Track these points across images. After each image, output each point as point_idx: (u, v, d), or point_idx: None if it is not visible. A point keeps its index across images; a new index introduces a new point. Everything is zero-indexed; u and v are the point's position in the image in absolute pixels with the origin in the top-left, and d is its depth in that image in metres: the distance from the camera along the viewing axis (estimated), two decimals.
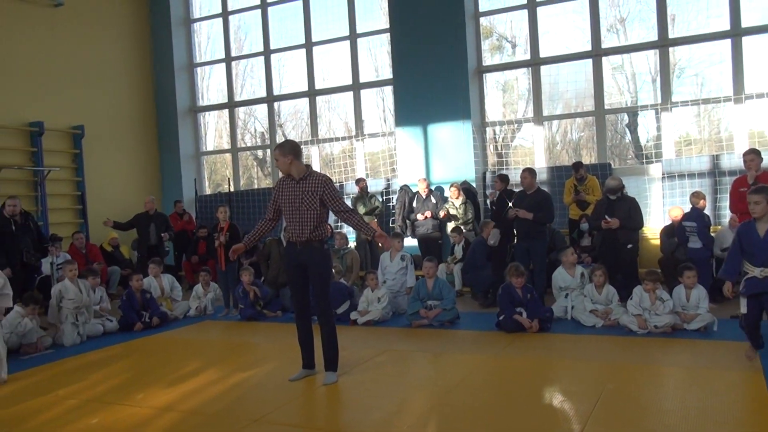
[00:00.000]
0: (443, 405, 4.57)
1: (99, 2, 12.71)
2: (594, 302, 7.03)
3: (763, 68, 9.65)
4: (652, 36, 10.21)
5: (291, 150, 5.12)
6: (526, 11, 10.93)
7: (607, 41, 10.65)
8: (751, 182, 6.86)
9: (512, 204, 8.08)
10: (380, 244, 5.57)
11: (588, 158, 10.97)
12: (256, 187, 13.89)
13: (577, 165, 9.35)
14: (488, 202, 10.02)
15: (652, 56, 10.44)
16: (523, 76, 11.43)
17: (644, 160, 10.20)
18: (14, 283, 6.62)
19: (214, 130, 14.71)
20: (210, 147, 14.51)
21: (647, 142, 10.69)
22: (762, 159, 7.03)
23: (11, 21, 11.12)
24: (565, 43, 10.95)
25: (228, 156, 14.15)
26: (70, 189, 11.98)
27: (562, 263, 7.64)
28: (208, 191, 14.04)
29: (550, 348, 6.18)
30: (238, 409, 4.73)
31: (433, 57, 10.99)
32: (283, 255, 8.92)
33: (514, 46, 11.66)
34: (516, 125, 11.55)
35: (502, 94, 11.88)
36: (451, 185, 9.85)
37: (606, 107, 10.63)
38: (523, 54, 11.25)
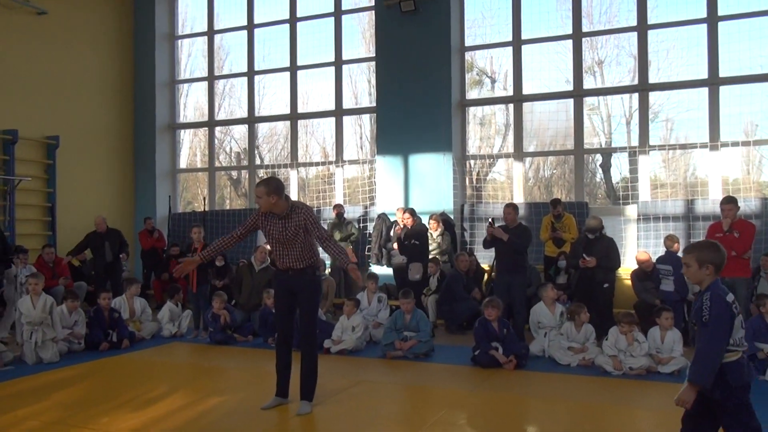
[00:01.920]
0: None
1: (84, 14, 12.53)
2: (570, 340, 7.01)
3: (738, 118, 9.90)
4: (627, 80, 10.42)
5: (275, 190, 5.02)
6: (511, 48, 11.11)
7: (585, 83, 10.85)
8: (726, 229, 7.02)
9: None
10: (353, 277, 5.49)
11: (559, 195, 11.10)
12: (228, 207, 13.71)
13: (555, 202, 9.42)
14: (394, 234, 10.20)
15: (627, 99, 10.67)
16: (500, 111, 11.58)
17: (620, 201, 10.34)
18: None
19: (188, 148, 14.55)
20: (183, 165, 14.33)
21: (618, 183, 10.86)
22: (738, 208, 7.19)
23: None
24: (545, 81, 11.14)
25: (200, 174, 13.97)
26: (40, 200, 11.66)
27: (542, 299, 7.54)
28: (180, 209, 13.83)
29: (525, 386, 6.14)
30: None
31: (417, 88, 11.05)
32: (256, 278, 8.86)
33: (493, 81, 11.83)
34: (491, 160, 11.64)
35: (479, 128, 12.00)
36: (431, 216, 9.84)
37: (585, 146, 10.78)
38: (502, 90, 11.41)
